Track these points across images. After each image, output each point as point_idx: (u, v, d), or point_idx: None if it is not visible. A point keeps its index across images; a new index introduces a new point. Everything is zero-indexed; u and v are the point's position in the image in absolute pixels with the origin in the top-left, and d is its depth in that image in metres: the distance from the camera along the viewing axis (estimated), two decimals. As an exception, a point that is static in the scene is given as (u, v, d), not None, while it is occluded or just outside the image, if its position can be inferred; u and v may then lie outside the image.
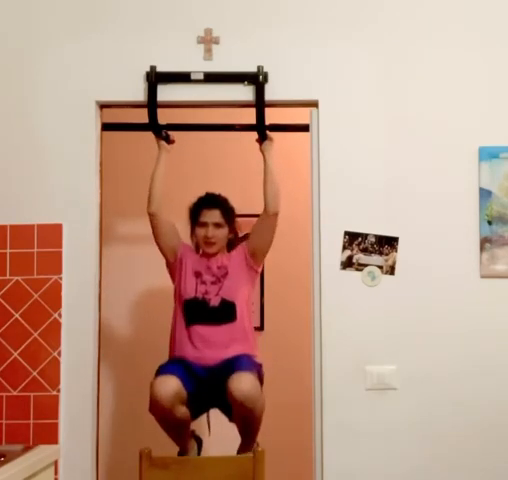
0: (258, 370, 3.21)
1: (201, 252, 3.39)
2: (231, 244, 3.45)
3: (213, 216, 3.35)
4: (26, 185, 3.07)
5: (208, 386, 3.17)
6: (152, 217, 3.34)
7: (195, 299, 3.28)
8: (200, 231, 3.36)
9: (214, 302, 3.26)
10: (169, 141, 3.32)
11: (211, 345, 3.23)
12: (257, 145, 3.32)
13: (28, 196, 3.06)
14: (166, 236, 3.36)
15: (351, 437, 3.00)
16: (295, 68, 3.09)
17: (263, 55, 3.08)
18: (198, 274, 3.31)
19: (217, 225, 3.35)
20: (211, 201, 3.41)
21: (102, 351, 3.18)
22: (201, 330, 3.25)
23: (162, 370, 3.18)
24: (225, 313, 3.26)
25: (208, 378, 3.19)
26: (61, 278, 3.03)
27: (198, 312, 3.27)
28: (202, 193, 3.46)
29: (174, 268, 3.39)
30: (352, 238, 3.05)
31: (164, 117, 3.17)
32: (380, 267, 3.05)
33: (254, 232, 3.39)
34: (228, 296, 3.27)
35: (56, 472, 2.92)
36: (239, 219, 3.50)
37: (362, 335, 3.02)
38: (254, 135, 3.29)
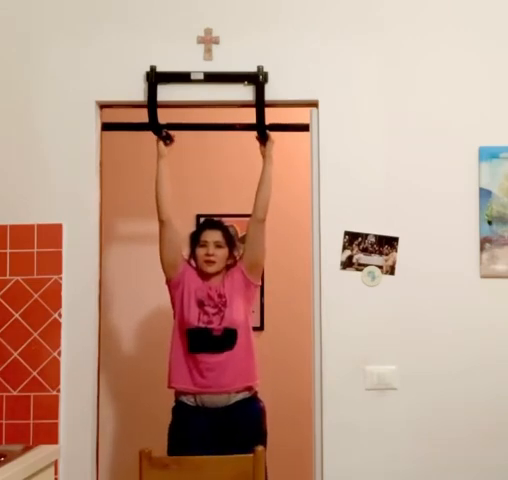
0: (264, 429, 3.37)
1: (201, 274, 3.39)
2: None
3: (214, 236, 3.39)
4: (26, 185, 3.07)
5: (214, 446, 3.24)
6: (162, 225, 3.34)
7: (198, 328, 3.30)
8: (201, 250, 3.38)
9: (217, 331, 3.30)
10: (170, 140, 3.32)
11: (215, 372, 3.28)
12: (257, 145, 3.32)
13: (28, 196, 3.06)
14: (170, 248, 3.36)
15: (351, 437, 3.00)
16: (295, 68, 3.09)
17: (263, 55, 3.08)
18: (200, 303, 3.32)
19: (218, 245, 3.38)
20: (213, 223, 3.47)
21: (102, 350, 3.17)
22: (205, 358, 3.29)
23: None
24: (227, 341, 3.30)
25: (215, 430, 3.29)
26: (61, 278, 3.02)
27: (202, 341, 3.30)
28: (201, 193, 3.46)
29: (174, 287, 3.39)
30: (352, 238, 3.05)
31: (165, 117, 3.17)
32: (380, 267, 3.05)
33: (246, 244, 3.41)
34: (230, 324, 3.30)
35: (56, 472, 2.92)
36: (239, 219, 3.51)
37: (362, 335, 3.02)
38: (255, 134, 3.29)
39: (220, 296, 3.33)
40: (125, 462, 3.91)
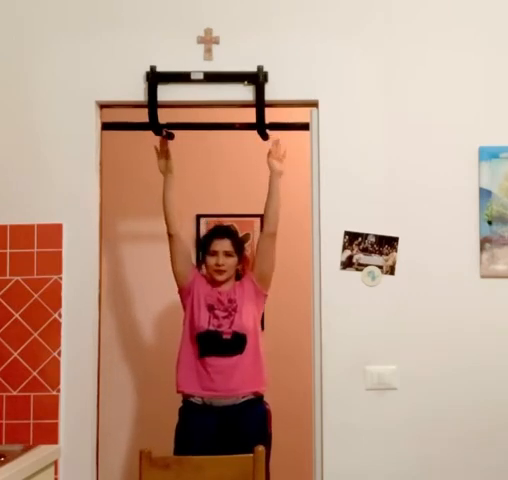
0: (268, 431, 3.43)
1: (211, 281, 3.47)
2: (239, 276, 3.55)
3: (224, 245, 3.46)
4: (26, 185, 3.06)
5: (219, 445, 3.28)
6: (171, 238, 3.43)
7: (208, 332, 3.37)
8: (211, 259, 3.46)
9: (227, 335, 3.36)
10: (170, 137, 3.33)
11: (224, 376, 3.34)
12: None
13: (28, 196, 3.06)
14: (181, 258, 3.45)
15: (351, 437, 3.00)
16: (295, 68, 3.09)
17: (263, 55, 3.08)
18: (211, 308, 3.40)
19: (227, 254, 3.45)
20: (222, 231, 3.54)
21: (102, 350, 3.17)
22: (214, 361, 3.35)
23: None
24: (237, 345, 3.37)
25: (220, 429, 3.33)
26: (61, 278, 3.02)
27: (211, 344, 3.36)
28: (201, 193, 3.47)
29: (186, 295, 3.47)
30: (352, 238, 3.05)
31: (167, 117, 3.17)
32: (380, 267, 3.04)
33: (257, 256, 3.50)
34: (240, 329, 3.37)
35: (56, 472, 2.92)
36: (239, 219, 3.52)
37: (362, 335, 3.02)
38: (255, 135, 3.28)
39: (230, 301, 3.41)
40: (125, 462, 3.91)
